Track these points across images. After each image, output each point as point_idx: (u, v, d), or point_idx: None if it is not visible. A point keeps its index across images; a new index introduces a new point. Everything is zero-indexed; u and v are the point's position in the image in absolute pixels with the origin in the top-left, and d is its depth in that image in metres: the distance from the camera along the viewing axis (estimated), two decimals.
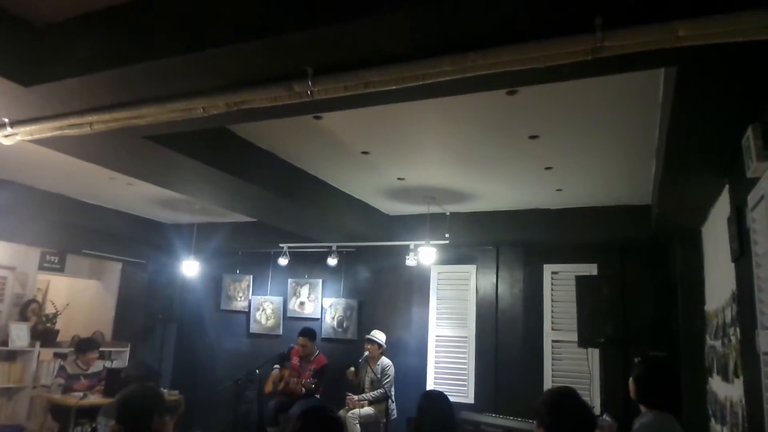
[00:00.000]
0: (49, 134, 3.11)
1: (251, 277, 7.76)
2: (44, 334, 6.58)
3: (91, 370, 5.96)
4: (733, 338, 3.29)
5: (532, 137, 3.83)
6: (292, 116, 3.17)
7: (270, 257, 7.36)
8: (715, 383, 3.91)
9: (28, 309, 6.61)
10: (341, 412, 5.77)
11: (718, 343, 3.79)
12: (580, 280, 5.16)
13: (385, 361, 6.11)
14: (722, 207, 3.60)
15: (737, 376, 3.15)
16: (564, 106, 3.32)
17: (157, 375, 5.45)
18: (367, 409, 5.84)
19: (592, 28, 1.87)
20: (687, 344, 4.76)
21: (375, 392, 5.91)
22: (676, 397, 2.60)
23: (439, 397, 3.42)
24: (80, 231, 6.89)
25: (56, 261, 7.04)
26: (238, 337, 7.69)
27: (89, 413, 5.18)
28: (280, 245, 6.95)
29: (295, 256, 7.04)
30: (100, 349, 6.45)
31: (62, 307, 6.95)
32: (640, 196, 5.08)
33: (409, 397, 5.89)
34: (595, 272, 5.78)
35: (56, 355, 6.70)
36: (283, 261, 6.90)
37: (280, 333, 7.40)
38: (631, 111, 3.33)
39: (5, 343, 6.14)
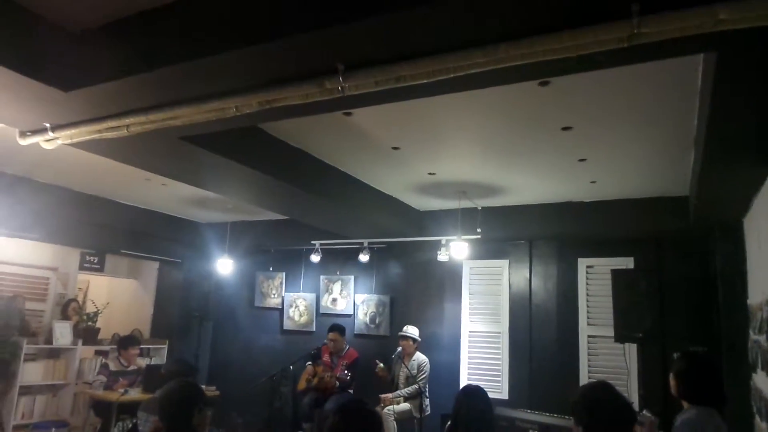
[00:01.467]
0: (87, 137, 3.20)
1: (284, 274, 7.85)
2: (86, 333, 6.78)
3: (131, 367, 6.12)
4: None
5: (565, 129, 3.77)
6: (323, 113, 3.18)
7: (302, 254, 7.42)
8: (760, 379, 3.79)
9: (68, 308, 6.82)
10: (377, 408, 5.78)
11: (762, 338, 3.67)
12: (616, 274, 5.06)
13: (420, 357, 6.09)
14: (765, 196, 3.48)
15: None
16: (597, 96, 3.26)
17: (195, 371, 5.57)
18: (403, 405, 5.84)
19: (628, 14, 1.83)
20: (728, 339, 4.63)
21: (409, 388, 5.91)
22: (719, 392, 2.53)
23: (477, 391, 3.39)
24: (118, 232, 7.09)
25: (96, 261, 7.24)
26: (272, 334, 7.79)
27: (130, 409, 5.32)
28: (312, 242, 7.01)
29: (326, 253, 7.09)
30: (140, 346, 6.61)
31: (102, 306, 7.15)
32: (677, 187, 4.95)
33: (442, 393, 5.87)
34: (631, 266, 5.65)
35: (97, 353, 6.90)
36: (315, 258, 6.96)
37: (314, 329, 7.47)
38: (668, 99, 3.24)
39: (49, 342, 6.34)
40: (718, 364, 2.64)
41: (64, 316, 6.72)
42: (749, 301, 4.29)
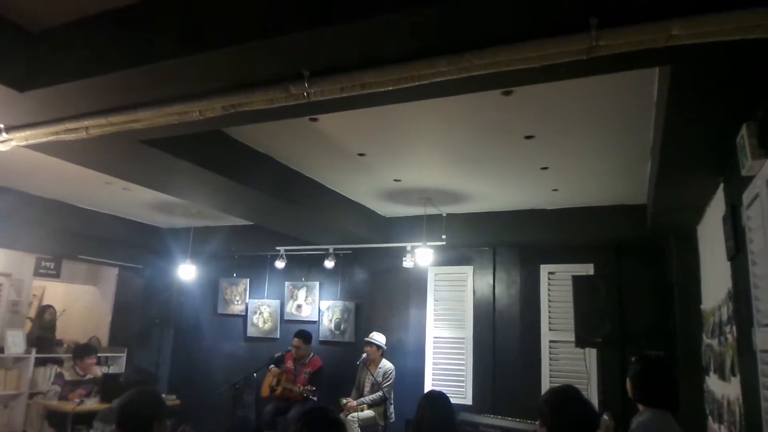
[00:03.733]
0: (44, 139, 3.11)
1: (248, 280, 7.75)
2: (40, 341, 6.55)
3: (88, 376, 5.94)
4: (729, 336, 3.30)
5: (528, 137, 3.85)
6: (289, 118, 3.17)
7: (266, 260, 7.34)
8: (712, 382, 3.92)
9: (45, 314, 6.60)
10: (341, 416, 5.75)
11: (714, 342, 3.80)
12: (577, 280, 5.17)
13: (387, 365, 6.09)
14: (717, 206, 3.61)
15: (734, 375, 3.16)
16: (559, 106, 3.34)
17: (155, 379, 5.44)
18: (368, 412, 5.82)
19: (587, 27, 1.89)
20: (683, 343, 4.78)
21: (374, 395, 5.90)
22: (673, 395, 2.60)
23: (439, 397, 3.41)
24: (76, 236, 6.87)
25: (52, 267, 7.02)
26: (236, 341, 7.68)
27: (86, 419, 5.15)
28: (277, 248, 6.95)
29: (291, 259, 7.03)
30: (98, 354, 6.42)
31: (58, 313, 6.92)
32: (635, 196, 5.10)
33: (407, 399, 5.88)
34: (591, 272, 5.79)
35: (53, 362, 6.67)
36: (279, 264, 6.89)
37: (278, 336, 7.39)
38: (626, 110, 3.34)
39: (1, 350, 6.10)
40: (673, 367, 2.71)
41: (42, 323, 6.45)
42: (702, 307, 4.44)
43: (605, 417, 3.96)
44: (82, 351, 6.06)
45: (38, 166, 4.76)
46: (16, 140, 3.17)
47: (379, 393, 5.84)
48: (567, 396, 2.19)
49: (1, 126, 3.11)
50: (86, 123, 2.90)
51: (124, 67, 2.47)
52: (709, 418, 4.09)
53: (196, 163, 3.86)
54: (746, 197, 2.66)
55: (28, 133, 3.08)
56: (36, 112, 2.95)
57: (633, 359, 2.75)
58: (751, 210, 2.63)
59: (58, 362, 6.52)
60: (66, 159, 3.82)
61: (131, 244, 7.47)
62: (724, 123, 2.59)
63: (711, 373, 3.96)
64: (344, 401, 5.86)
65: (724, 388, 3.48)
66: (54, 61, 2.67)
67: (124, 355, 7.32)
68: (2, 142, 3.19)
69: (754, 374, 2.57)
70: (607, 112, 3.39)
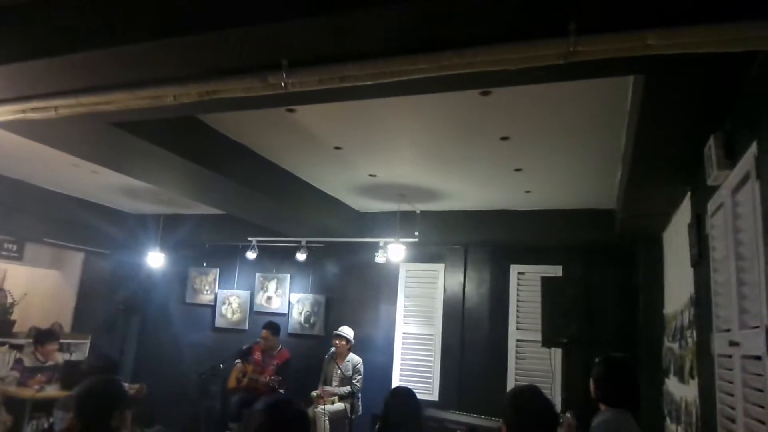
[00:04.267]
0: (10, 117, 3.00)
1: (218, 270, 7.66)
2: None
3: (49, 363, 5.79)
4: (690, 340, 3.40)
5: (503, 138, 3.88)
6: (266, 108, 3.14)
7: (238, 251, 7.26)
8: (672, 384, 4.03)
9: None
10: (309, 410, 5.73)
11: (675, 345, 3.91)
12: (545, 281, 5.24)
13: (355, 358, 6.10)
14: (684, 213, 3.71)
15: (692, 377, 3.25)
16: (535, 109, 3.37)
17: (118, 367, 5.34)
18: (338, 405, 5.82)
19: (566, 33, 1.90)
20: (646, 345, 4.89)
21: (345, 388, 5.90)
22: (634, 396, 2.66)
23: (406, 393, 3.43)
24: (41, 219, 6.69)
25: (14, 249, 6.83)
26: (204, 331, 7.59)
27: (46, 407, 5.04)
28: (249, 239, 6.88)
29: (263, 251, 6.97)
30: (60, 341, 6.27)
31: (19, 297, 6.73)
32: (605, 201, 5.19)
33: (374, 393, 5.88)
34: (560, 274, 5.89)
35: (12, 347, 6.49)
36: (251, 255, 6.82)
37: (246, 327, 7.33)
38: (600, 117, 3.40)
39: None
40: (635, 368, 2.77)
41: None
42: (665, 311, 4.55)
43: (567, 415, 4.03)
44: (43, 337, 5.89)
45: (2, 146, 4.62)
46: None
47: (347, 388, 5.84)
48: (528, 395, 2.23)
49: None
50: (55, 103, 2.81)
51: (95, 47, 2.40)
52: (667, 418, 4.21)
53: (168, 148, 3.78)
54: (711, 206, 2.74)
55: None
56: (2, 89, 2.85)
57: (597, 360, 2.80)
58: (715, 219, 2.70)
59: (18, 348, 6.34)
60: (33, 138, 3.70)
61: (98, 228, 7.29)
62: (694, 133, 2.65)
63: (671, 375, 4.07)
64: (315, 393, 5.83)
65: (682, 390, 3.58)
66: (22, 36, 2.58)
67: (88, 341, 7.16)
68: None
69: (712, 377, 2.65)
70: (581, 117, 3.44)
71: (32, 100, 2.84)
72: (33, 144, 3.89)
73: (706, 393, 2.83)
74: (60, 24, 2.51)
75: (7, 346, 6.48)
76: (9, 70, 2.62)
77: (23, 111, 2.92)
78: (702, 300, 3.03)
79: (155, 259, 6.81)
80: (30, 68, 2.60)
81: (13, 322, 6.60)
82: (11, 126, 3.29)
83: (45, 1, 2.56)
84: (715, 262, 2.70)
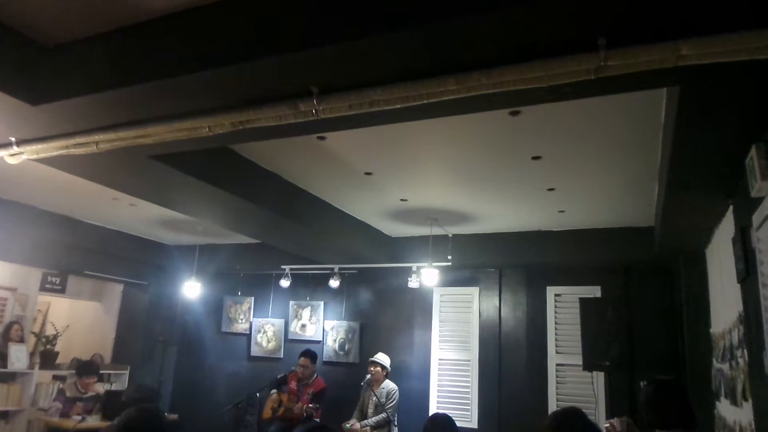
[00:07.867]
0: (54, 153, 3.13)
1: (252, 299, 7.72)
2: (43, 356, 6.52)
3: (88, 393, 5.89)
4: (740, 360, 3.25)
5: (535, 158, 3.84)
6: (297, 136, 3.19)
7: (271, 279, 7.32)
8: (723, 407, 3.85)
9: (11, 330, 6.27)
10: None
11: (725, 366, 3.74)
12: (584, 303, 5.12)
13: (390, 385, 6.02)
14: (727, 228, 3.59)
15: (746, 399, 3.10)
16: (566, 127, 3.34)
17: (158, 397, 5.39)
18: None
19: (595, 47, 1.89)
20: (693, 367, 4.70)
21: (377, 417, 5.82)
22: (689, 415, 2.54)
23: (444, 420, 3.36)
24: (82, 252, 6.89)
25: (58, 282, 7.00)
26: (239, 360, 7.62)
27: None
28: (282, 267, 6.93)
29: (296, 278, 7.01)
30: (100, 371, 6.38)
31: (62, 328, 6.90)
32: (643, 218, 5.07)
33: (411, 422, 5.80)
34: (598, 294, 5.74)
35: (55, 378, 6.63)
36: (284, 283, 6.86)
37: (281, 356, 7.33)
38: (634, 131, 3.34)
39: (4, 365, 6.07)
40: (685, 388, 2.66)
41: (5, 340, 6.31)
42: (712, 330, 4.38)
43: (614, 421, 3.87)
44: (83, 369, 6.00)
45: (46, 181, 4.80)
46: (27, 153, 3.19)
47: (383, 414, 5.75)
48: (570, 417, 2.16)
49: (12, 139, 3.14)
50: (96, 137, 2.92)
51: (134, 83, 2.50)
52: None
53: (204, 179, 3.87)
54: (756, 219, 2.64)
55: (38, 146, 3.10)
56: (47, 126, 2.97)
57: (643, 384, 2.70)
58: (761, 232, 2.60)
59: (61, 379, 6.47)
60: (75, 173, 3.84)
61: (137, 260, 7.48)
62: (733, 144, 2.58)
63: (722, 398, 3.89)
64: (347, 425, 5.77)
65: (735, 414, 3.41)
66: (67, 75, 2.70)
67: (127, 372, 7.26)
68: (13, 155, 3.22)
69: (767, 399, 2.52)
70: (615, 133, 3.39)
71: (75, 136, 2.96)
72: (74, 179, 4.04)
73: (762, 415, 2.69)
74: (106, 61, 2.63)
75: (51, 378, 6.62)
76: (56, 107, 2.74)
77: (66, 147, 3.04)
78: (752, 317, 2.91)
79: (192, 289, 6.91)
80: (74, 105, 2.72)
81: (57, 354, 6.75)
82: (55, 161, 3.43)
83: (90, 42, 2.68)
84: (764, 276, 2.60)
